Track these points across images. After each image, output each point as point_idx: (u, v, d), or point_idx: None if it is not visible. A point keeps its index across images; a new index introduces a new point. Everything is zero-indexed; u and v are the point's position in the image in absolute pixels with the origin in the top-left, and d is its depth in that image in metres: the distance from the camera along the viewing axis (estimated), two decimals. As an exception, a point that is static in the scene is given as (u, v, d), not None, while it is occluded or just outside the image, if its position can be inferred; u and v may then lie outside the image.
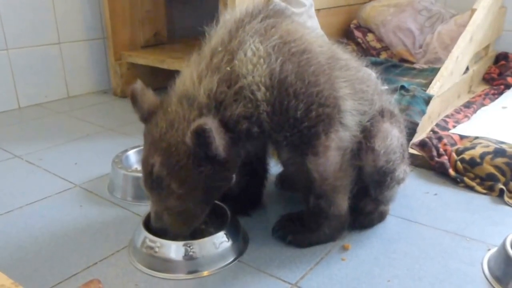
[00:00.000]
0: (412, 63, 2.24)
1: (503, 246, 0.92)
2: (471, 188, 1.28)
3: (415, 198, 1.24)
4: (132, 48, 2.19)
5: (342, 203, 1.00)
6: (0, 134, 1.70)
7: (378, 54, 2.35)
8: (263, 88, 0.87)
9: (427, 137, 1.46)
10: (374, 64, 1.44)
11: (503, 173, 1.28)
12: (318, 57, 0.91)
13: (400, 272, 0.94)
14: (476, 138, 1.49)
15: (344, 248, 1.02)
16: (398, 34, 2.33)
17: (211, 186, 0.91)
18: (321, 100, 0.89)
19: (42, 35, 2.01)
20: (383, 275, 0.93)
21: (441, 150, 1.40)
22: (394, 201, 1.13)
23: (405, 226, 1.11)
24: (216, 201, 1.05)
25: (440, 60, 2.10)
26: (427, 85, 1.66)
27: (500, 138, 1.45)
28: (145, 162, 0.90)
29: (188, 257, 0.93)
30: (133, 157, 1.35)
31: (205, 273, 0.94)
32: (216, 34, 0.93)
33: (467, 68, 1.96)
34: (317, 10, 1.84)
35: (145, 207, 1.15)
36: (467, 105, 1.86)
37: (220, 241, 0.96)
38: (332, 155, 0.93)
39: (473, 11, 1.90)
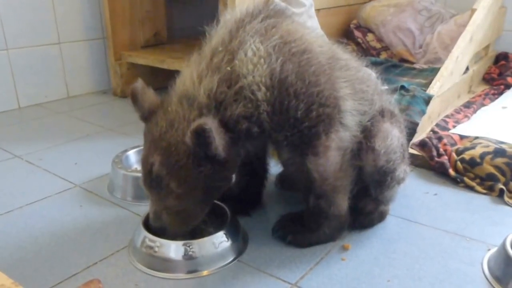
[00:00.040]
0: (412, 63, 2.24)
1: (503, 246, 0.92)
2: (471, 188, 1.28)
3: (415, 198, 1.24)
4: (132, 48, 2.19)
5: (342, 203, 1.00)
6: (0, 134, 1.70)
7: (378, 54, 2.35)
8: (263, 88, 0.87)
9: (427, 137, 1.46)
10: (374, 64, 1.44)
11: (503, 173, 1.28)
12: (319, 57, 0.92)
13: (400, 272, 0.94)
14: (476, 138, 1.49)
15: (344, 248, 1.02)
16: (398, 34, 2.33)
17: (210, 186, 0.91)
18: (322, 100, 0.89)
19: (42, 35, 2.01)
20: (383, 275, 0.93)
21: (441, 150, 1.40)
22: (394, 201, 1.13)
23: (405, 226, 1.11)
24: (216, 201, 1.05)
25: (440, 60, 2.10)
26: (427, 85, 1.66)
27: (500, 138, 1.45)
28: (145, 161, 0.90)
29: (187, 256, 0.93)
30: (133, 157, 1.35)
31: (205, 272, 0.94)
32: (217, 34, 0.93)
33: (467, 68, 1.96)
34: (317, 10, 1.84)
35: (145, 207, 1.15)
36: (467, 105, 1.86)
37: (220, 240, 0.96)
38: (332, 155, 0.93)
39: (473, 11, 1.90)
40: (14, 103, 1.99)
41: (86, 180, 1.34)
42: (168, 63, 1.96)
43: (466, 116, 1.73)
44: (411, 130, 1.43)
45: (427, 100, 1.54)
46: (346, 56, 1.02)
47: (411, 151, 1.40)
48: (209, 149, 0.83)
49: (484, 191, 1.26)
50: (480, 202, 1.22)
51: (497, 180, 1.27)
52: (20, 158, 1.49)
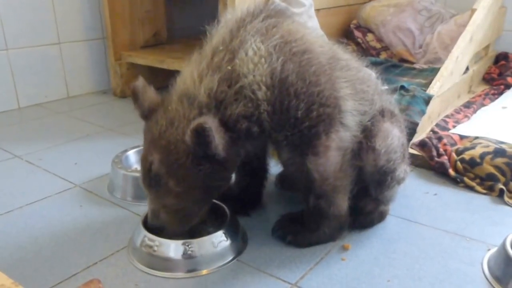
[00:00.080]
0: (412, 63, 2.24)
1: (503, 246, 0.92)
2: (471, 188, 1.28)
3: (415, 198, 1.24)
4: (132, 48, 2.18)
5: (342, 203, 1.00)
6: (0, 134, 1.70)
7: (378, 54, 2.35)
8: (263, 88, 0.87)
9: (427, 137, 1.46)
10: (374, 64, 1.44)
11: (503, 173, 1.28)
12: (319, 57, 0.92)
13: (400, 272, 0.94)
14: (476, 138, 1.49)
15: (344, 248, 1.02)
16: (398, 34, 2.33)
17: (209, 185, 0.91)
18: (322, 100, 0.89)
19: (42, 35, 2.01)
20: (383, 275, 0.93)
21: (441, 150, 1.40)
22: (394, 201, 1.13)
23: (405, 226, 1.11)
24: (216, 201, 1.05)
25: (440, 60, 2.10)
26: (427, 85, 1.66)
27: (500, 138, 1.45)
28: (144, 159, 0.91)
29: (187, 256, 0.94)
30: (133, 157, 1.35)
31: (204, 272, 0.94)
32: (218, 33, 0.93)
33: (467, 68, 1.96)
34: (317, 10, 1.84)
35: (144, 207, 1.15)
36: (467, 105, 1.86)
37: (219, 240, 0.96)
38: (332, 155, 0.93)
39: (473, 11, 1.90)
40: (14, 103, 1.99)
41: (86, 180, 1.34)
42: (167, 63, 1.96)
43: (466, 116, 1.73)
44: (411, 130, 1.43)
45: (427, 100, 1.54)
46: (346, 57, 1.02)
47: (411, 151, 1.40)
48: (209, 148, 0.83)
49: (484, 191, 1.26)
50: (480, 202, 1.22)
51: (497, 180, 1.27)
52: (20, 158, 1.49)
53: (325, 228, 1.01)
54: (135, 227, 1.02)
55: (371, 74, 1.10)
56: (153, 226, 0.96)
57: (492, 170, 1.29)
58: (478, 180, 1.30)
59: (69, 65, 2.14)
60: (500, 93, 2.03)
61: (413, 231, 1.09)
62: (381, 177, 1.01)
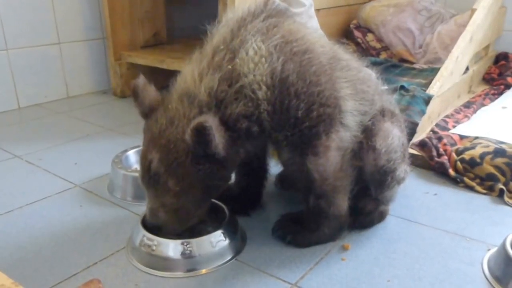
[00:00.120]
0: (412, 63, 2.24)
1: (503, 246, 0.92)
2: (471, 188, 1.28)
3: (415, 198, 1.24)
4: (132, 48, 2.18)
5: (342, 203, 1.00)
6: (0, 134, 1.70)
7: (378, 54, 2.35)
8: (264, 87, 0.87)
9: (427, 137, 1.46)
10: (374, 64, 1.44)
11: (503, 173, 1.28)
12: (320, 57, 0.92)
13: (400, 272, 0.94)
14: (476, 138, 1.49)
15: (344, 248, 1.02)
16: (398, 34, 2.33)
17: (208, 185, 0.91)
18: (322, 100, 0.89)
19: (42, 35, 2.01)
20: (383, 275, 0.93)
21: (441, 150, 1.40)
22: (394, 201, 1.13)
23: (405, 226, 1.11)
24: (215, 201, 1.05)
25: (440, 60, 2.10)
26: (427, 85, 1.66)
27: (500, 138, 1.45)
28: (144, 158, 0.90)
29: (185, 255, 0.94)
30: (133, 157, 1.35)
31: (204, 271, 0.94)
32: (218, 33, 0.94)
33: (467, 68, 1.96)
34: (317, 10, 1.84)
35: (144, 207, 1.15)
36: (467, 105, 1.86)
37: (217, 240, 0.96)
38: (332, 155, 0.93)
39: (473, 11, 1.90)
40: (14, 103, 1.99)
41: (86, 180, 1.34)
42: (167, 63, 1.96)
43: (466, 116, 1.73)
44: (411, 130, 1.43)
45: (427, 100, 1.54)
46: (347, 57, 1.02)
47: (411, 151, 1.40)
48: (209, 147, 0.83)
49: (484, 191, 1.26)
50: (480, 202, 1.22)
51: (497, 180, 1.27)
52: (20, 158, 1.49)
53: (325, 228, 1.01)
54: (134, 226, 1.02)
55: (371, 74, 1.10)
56: (151, 225, 0.96)
57: (492, 170, 1.29)
58: (478, 180, 1.30)
59: (69, 65, 2.13)
60: (500, 93, 2.03)
61: (413, 231, 1.09)
62: (382, 177, 1.01)
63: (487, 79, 2.25)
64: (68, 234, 1.07)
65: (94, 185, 1.31)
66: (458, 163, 1.34)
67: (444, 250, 1.01)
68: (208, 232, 0.99)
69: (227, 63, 0.88)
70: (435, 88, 1.61)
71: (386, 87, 1.24)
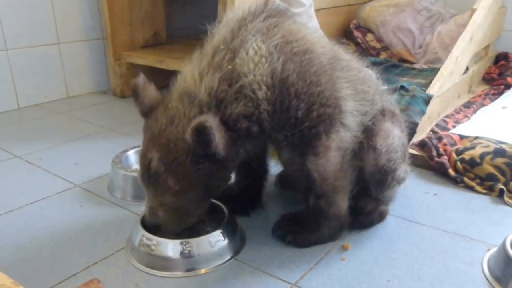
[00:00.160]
0: (412, 63, 2.24)
1: (503, 246, 0.92)
2: (471, 188, 1.28)
3: (415, 198, 1.24)
4: (132, 48, 2.18)
5: (342, 203, 1.00)
6: (0, 134, 1.70)
7: (378, 54, 2.35)
8: (264, 87, 0.87)
9: (427, 137, 1.46)
10: (374, 64, 1.44)
11: (503, 173, 1.28)
12: (320, 58, 0.92)
13: (400, 272, 0.94)
14: (476, 138, 1.49)
15: (344, 248, 1.02)
16: (398, 34, 2.33)
17: (208, 185, 0.91)
18: (322, 100, 0.89)
19: (42, 36, 2.01)
20: (383, 275, 0.93)
21: (441, 150, 1.40)
22: (394, 201, 1.13)
23: (405, 226, 1.11)
24: (215, 200, 1.05)
25: (440, 60, 2.10)
26: (427, 85, 1.66)
27: (500, 138, 1.45)
28: (143, 157, 0.90)
29: (185, 255, 0.94)
30: (133, 157, 1.35)
31: (203, 271, 0.94)
32: (219, 33, 0.94)
33: (467, 68, 1.96)
34: (317, 10, 1.84)
35: (144, 207, 1.15)
36: (467, 105, 1.86)
37: (216, 239, 0.96)
38: (332, 156, 0.93)
39: (473, 11, 1.90)
40: (14, 103, 1.99)
41: (86, 180, 1.34)
42: (167, 63, 1.96)
43: (466, 116, 1.73)
44: (411, 130, 1.43)
45: (427, 100, 1.54)
46: (347, 57, 1.02)
47: (411, 151, 1.40)
48: (209, 147, 0.83)
49: (484, 191, 1.26)
50: (480, 202, 1.22)
51: (497, 180, 1.27)
52: (20, 158, 1.49)
53: (325, 228, 1.01)
54: (133, 226, 1.02)
55: (372, 74, 1.10)
56: (150, 224, 0.96)
57: (492, 170, 1.29)
58: (478, 180, 1.30)
59: (68, 65, 2.13)
60: (500, 93, 2.03)
61: (413, 231, 1.09)
62: (382, 176, 1.01)
63: (487, 79, 2.25)
64: (68, 234, 1.07)
65: (94, 185, 1.31)
66: (458, 163, 1.34)
67: (444, 250, 1.01)
68: (207, 232, 0.99)
69: (227, 63, 0.88)
70: (435, 88, 1.61)
71: (386, 87, 1.24)
